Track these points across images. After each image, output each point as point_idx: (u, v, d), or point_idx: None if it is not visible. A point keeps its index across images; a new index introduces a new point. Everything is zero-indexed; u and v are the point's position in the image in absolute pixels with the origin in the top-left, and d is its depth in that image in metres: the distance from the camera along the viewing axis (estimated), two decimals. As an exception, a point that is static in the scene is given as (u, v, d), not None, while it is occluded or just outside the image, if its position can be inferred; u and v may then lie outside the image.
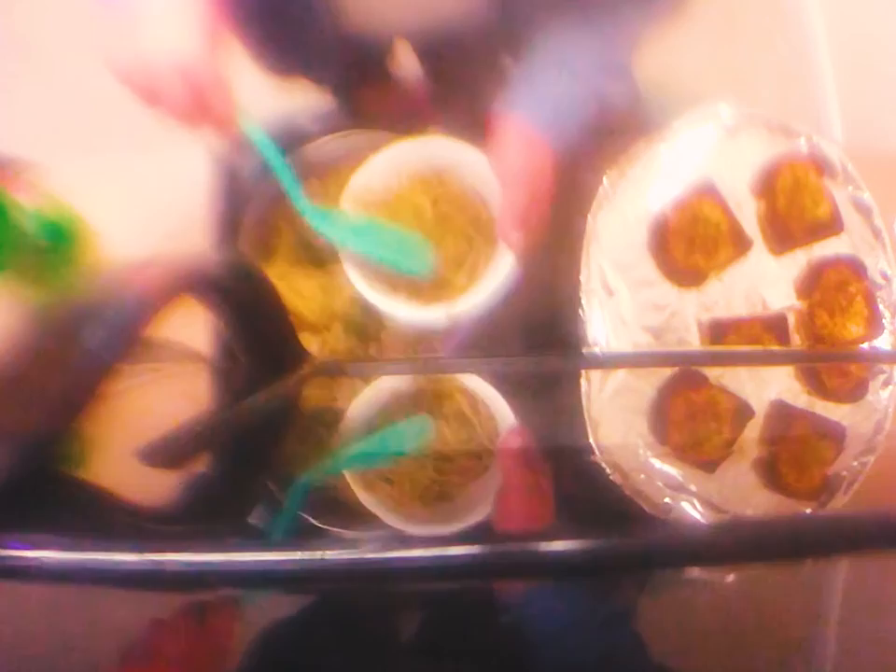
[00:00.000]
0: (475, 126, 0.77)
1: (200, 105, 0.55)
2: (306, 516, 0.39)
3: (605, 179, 0.76)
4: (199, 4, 0.54)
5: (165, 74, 0.53)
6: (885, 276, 0.78)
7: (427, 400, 0.61)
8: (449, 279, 0.73)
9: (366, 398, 0.65)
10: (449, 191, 0.75)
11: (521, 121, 0.66)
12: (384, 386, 0.66)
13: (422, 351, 0.77)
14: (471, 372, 0.72)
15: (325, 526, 0.37)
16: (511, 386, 0.65)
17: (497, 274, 0.71)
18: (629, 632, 0.30)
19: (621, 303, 0.76)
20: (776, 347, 0.76)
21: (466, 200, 0.74)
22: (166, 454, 0.42)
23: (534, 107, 0.66)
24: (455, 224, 0.74)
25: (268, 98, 0.90)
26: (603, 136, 0.72)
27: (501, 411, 0.59)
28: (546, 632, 0.30)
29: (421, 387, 0.66)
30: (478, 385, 0.66)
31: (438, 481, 0.45)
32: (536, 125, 0.66)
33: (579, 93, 0.68)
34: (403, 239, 0.72)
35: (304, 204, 0.71)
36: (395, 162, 0.73)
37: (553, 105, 0.67)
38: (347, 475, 0.47)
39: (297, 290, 0.77)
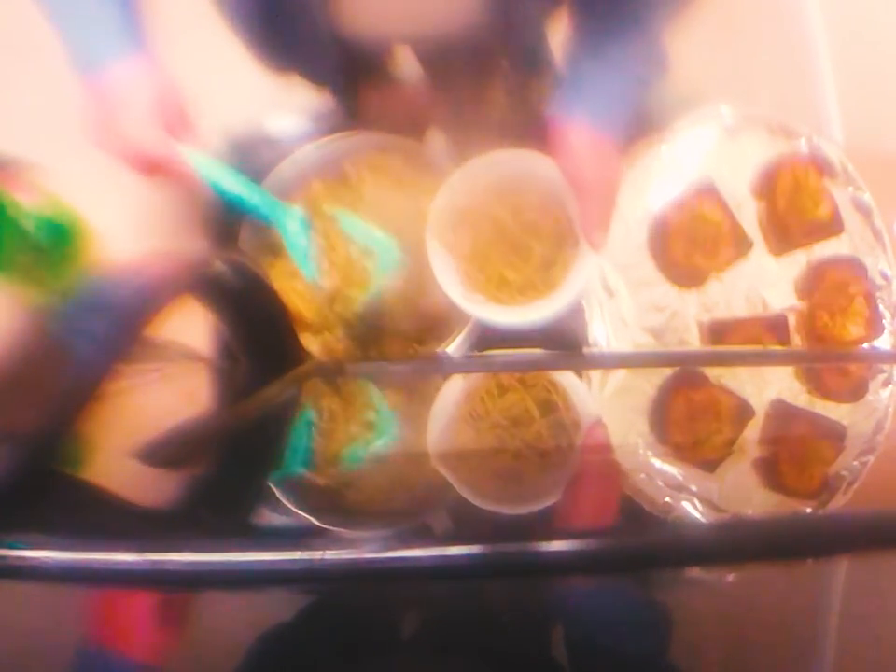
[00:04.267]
0: (474, 128, 0.77)
1: (157, 170, 0.66)
2: (306, 516, 0.39)
3: (605, 179, 0.76)
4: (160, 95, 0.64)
5: (130, 150, 0.64)
6: (885, 277, 0.78)
7: (516, 387, 0.62)
8: (536, 283, 0.74)
9: (448, 391, 0.65)
10: (528, 200, 0.76)
11: (584, 125, 0.67)
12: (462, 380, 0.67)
13: (422, 351, 0.77)
14: (472, 372, 0.72)
15: (325, 526, 0.37)
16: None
17: (582, 274, 0.72)
18: (639, 631, 0.30)
19: (621, 304, 0.76)
20: (776, 347, 0.76)
21: (545, 205, 0.75)
22: (166, 454, 0.42)
23: (593, 109, 0.68)
24: (540, 230, 0.75)
25: (268, 98, 0.90)
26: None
27: (585, 403, 0.60)
28: (545, 631, 0.30)
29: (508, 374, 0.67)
30: (566, 378, 0.66)
31: (517, 463, 0.45)
32: (599, 126, 0.67)
33: (629, 86, 0.69)
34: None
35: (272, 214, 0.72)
36: (470, 180, 0.75)
37: (610, 104, 0.69)
38: (429, 444, 0.48)
39: (297, 291, 0.77)
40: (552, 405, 0.58)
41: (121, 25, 0.63)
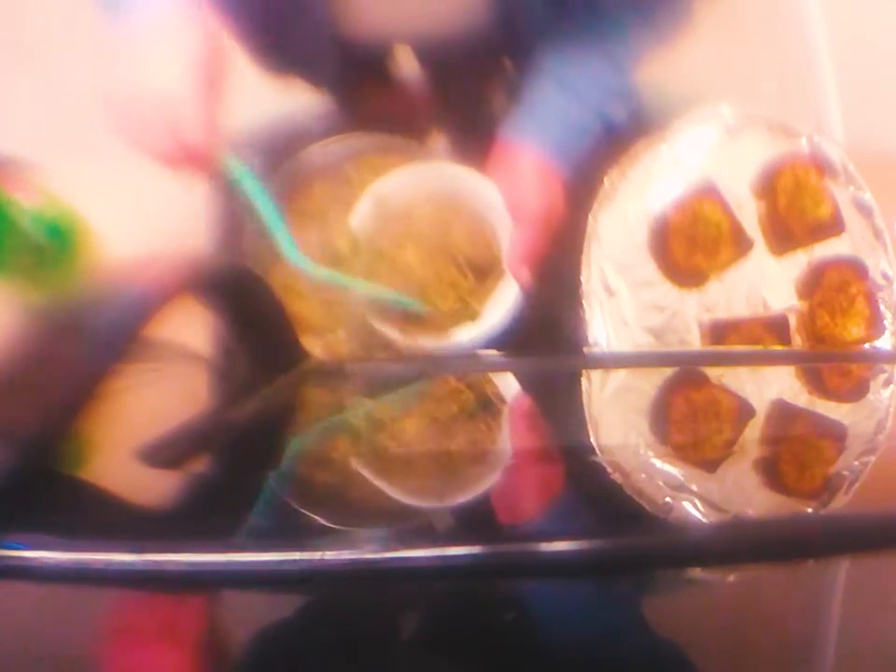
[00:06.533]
0: (474, 129, 0.77)
1: (180, 150, 0.56)
2: (308, 515, 0.39)
3: (606, 179, 0.76)
4: (199, 46, 0.54)
5: (150, 114, 0.54)
6: (886, 277, 0.78)
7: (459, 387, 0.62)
8: (449, 310, 0.74)
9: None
10: (462, 221, 0.75)
11: (531, 149, 0.64)
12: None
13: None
14: (472, 372, 0.72)
15: (325, 525, 0.37)
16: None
17: (502, 306, 0.72)
18: (636, 629, 0.30)
19: (621, 304, 0.76)
20: (777, 347, 0.76)
21: (477, 230, 0.74)
22: (166, 454, 0.42)
23: (544, 134, 0.65)
24: (463, 253, 0.74)
25: (268, 99, 0.90)
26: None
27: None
28: (548, 631, 0.30)
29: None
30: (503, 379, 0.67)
31: (446, 453, 0.45)
32: (546, 152, 0.64)
33: (586, 117, 0.67)
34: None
35: (287, 245, 0.67)
36: (412, 184, 0.74)
37: (562, 131, 0.66)
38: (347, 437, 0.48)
39: (299, 292, 0.77)
40: (490, 405, 0.58)
41: None
